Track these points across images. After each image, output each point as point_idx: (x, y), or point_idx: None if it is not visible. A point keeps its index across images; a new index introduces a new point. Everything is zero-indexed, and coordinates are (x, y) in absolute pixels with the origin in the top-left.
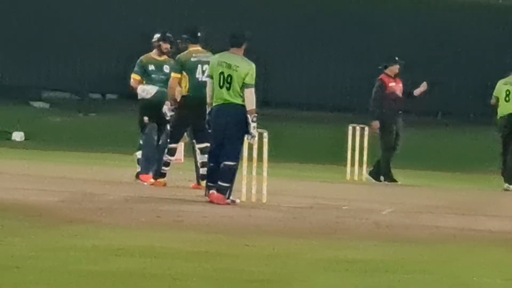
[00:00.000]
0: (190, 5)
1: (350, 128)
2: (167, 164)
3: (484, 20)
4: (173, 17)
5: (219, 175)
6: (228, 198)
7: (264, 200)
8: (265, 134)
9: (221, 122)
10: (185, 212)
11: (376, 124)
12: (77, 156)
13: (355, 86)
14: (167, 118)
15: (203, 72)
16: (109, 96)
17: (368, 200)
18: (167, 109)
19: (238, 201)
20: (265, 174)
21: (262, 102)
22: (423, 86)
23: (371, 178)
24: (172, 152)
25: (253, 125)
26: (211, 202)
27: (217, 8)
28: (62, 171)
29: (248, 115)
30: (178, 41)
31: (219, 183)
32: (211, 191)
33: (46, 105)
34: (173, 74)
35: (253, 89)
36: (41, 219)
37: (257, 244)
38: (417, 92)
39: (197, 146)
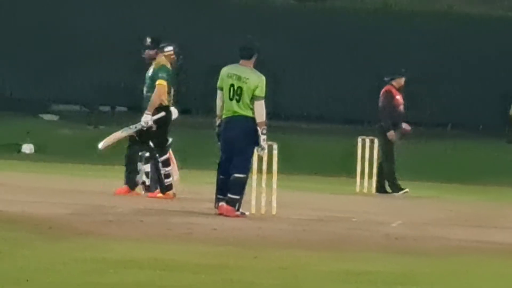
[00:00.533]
0: (201, 17)
1: (359, 140)
2: (168, 175)
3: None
4: (180, 28)
5: (228, 187)
6: (238, 210)
7: (274, 212)
8: (275, 146)
9: (230, 134)
10: (194, 224)
11: (391, 134)
12: (87, 168)
13: (364, 99)
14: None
15: None
16: (118, 108)
17: (378, 212)
18: (150, 119)
19: (247, 213)
20: (274, 186)
21: (272, 114)
22: (407, 127)
23: (380, 193)
24: (167, 163)
25: (263, 137)
26: (220, 214)
27: (228, 20)
28: (71, 183)
29: (258, 128)
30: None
31: (229, 195)
32: (220, 203)
33: (55, 118)
34: (164, 82)
35: (263, 102)
36: (51, 231)
37: (267, 256)
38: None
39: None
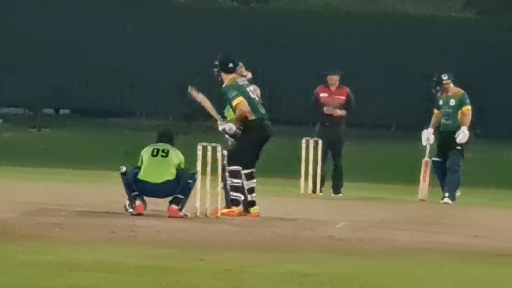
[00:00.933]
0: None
1: (303, 141)
2: (236, 188)
3: None
4: (122, 32)
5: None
6: (181, 210)
7: (219, 214)
8: (219, 148)
9: None
10: (139, 227)
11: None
12: (30, 171)
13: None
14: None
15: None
16: (62, 111)
17: (322, 213)
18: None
19: (189, 215)
20: (219, 188)
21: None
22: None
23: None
24: (235, 174)
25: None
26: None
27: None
28: (15, 186)
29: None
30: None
31: (176, 194)
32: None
33: None
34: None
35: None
36: None
37: (212, 258)
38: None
39: (243, 171)
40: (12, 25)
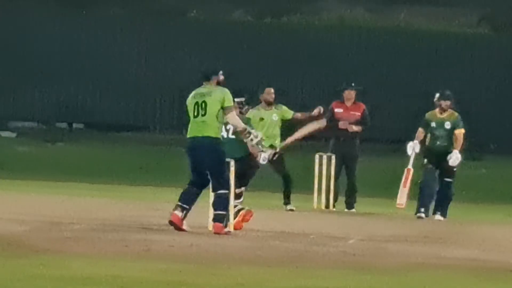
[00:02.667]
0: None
1: (317, 156)
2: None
3: None
4: (139, 46)
5: (213, 204)
6: (225, 226)
7: (232, 229)
8: (232, 163)
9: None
10: (152, 241)
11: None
12: (44, 185)
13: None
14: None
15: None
16: (75, 125)
17: (335, 228)
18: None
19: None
20: (232, 202)
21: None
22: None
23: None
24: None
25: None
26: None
27: (186, 37)
28: (29, 200)
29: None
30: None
31: (214, 212)
32: (175, 212)
33: (13, 135)
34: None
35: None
36: (9, 248)
37: (225, 273)
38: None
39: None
40: (26, 40)
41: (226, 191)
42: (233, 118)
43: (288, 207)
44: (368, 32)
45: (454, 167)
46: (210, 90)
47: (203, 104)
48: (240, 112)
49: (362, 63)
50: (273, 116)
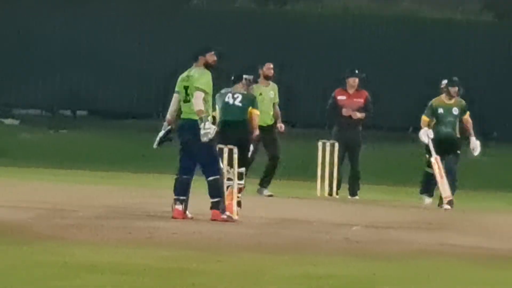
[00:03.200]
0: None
1: (320, 144)
2: None
3: None
4: (142, 35)
5: (208, 191)
6: (223, 213)
7: (236, 216)
8: (235, 150)
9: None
10: (155, 228)
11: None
12: (48, 172)
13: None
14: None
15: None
16: (79, 112)
17: (338, 216)
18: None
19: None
20: (235, 189)
21: None
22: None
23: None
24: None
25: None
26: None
27: (190, 26)
28: (32, 187)
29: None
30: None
31: (210, 200)
32: (177, 206)
33: (16, 122)
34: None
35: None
36: (11, 236)
37: (229, 260)
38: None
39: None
40: (29, 29)
41: (217, 177)
42: (197, 99)
43: (265, 192)
44: (371, 20)
45: (458, 148)
46: (190, 74)
47: (186, 89)
48: (248, 89)
49: (366, 51)
50: (270, 93)
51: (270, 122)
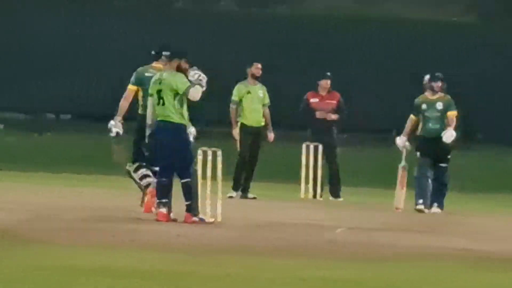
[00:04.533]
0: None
1: (304, 146)
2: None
3: None
4: (127, 37)
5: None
6: (195, 215)
7: (219, 219)
8: (219, 153)
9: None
10: (140, 231)
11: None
12: (33, 176)
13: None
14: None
15: None
16: (63, 116)
17: (322, 218)
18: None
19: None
20: (219, 193)
21: (217, 121)
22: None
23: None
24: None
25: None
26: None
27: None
28: (18, 191)
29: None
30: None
31: (185, 203)
32: (160, 209)
33: (1, 126)
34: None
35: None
36: None
37: (212, 263)
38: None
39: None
40: (15, 32)
41: (187, 179)
42: (196, 93)
43: (249, 195)
44: (355, 22)
45: (448, 152)
46: (162, 77)
47: (159, 93)
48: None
49: (349, 53)
50: (259, 92)
51: (262, 123)
